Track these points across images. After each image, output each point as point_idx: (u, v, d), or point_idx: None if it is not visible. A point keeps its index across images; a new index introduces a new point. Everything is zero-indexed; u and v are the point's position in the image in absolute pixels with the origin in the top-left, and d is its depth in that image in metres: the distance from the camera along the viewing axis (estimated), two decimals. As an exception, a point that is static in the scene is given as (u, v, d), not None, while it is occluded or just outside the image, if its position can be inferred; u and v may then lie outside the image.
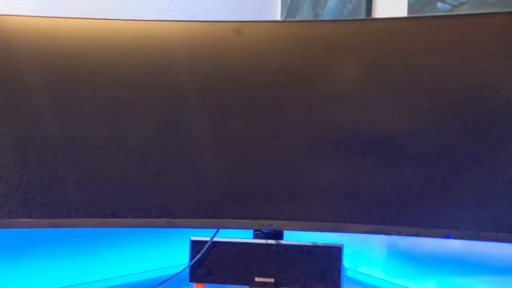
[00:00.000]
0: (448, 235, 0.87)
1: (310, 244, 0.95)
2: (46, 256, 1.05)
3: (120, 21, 0.91)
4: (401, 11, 1.12)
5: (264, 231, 0.97)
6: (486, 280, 0.99)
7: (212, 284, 0.97)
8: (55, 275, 1.06)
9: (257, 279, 0.95)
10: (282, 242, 0.96)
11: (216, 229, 0.96)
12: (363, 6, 1.19)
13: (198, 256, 0.95)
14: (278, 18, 1.43)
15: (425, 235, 0.88)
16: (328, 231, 0.93)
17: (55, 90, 0.89)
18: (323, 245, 0.94)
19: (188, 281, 0.97)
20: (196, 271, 0.96)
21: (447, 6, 1.03)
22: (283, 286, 0.95)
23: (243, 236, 0.98)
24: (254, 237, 0.99)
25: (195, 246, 0.96)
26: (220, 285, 0.96)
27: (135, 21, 0.91)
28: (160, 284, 0.98)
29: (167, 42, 0.92)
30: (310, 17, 1.33)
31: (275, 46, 0.91)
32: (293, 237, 0.98)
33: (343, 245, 0.94)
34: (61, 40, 0.89)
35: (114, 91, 0.90)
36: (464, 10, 1.00)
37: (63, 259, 1.07)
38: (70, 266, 1.08)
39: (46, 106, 0.89)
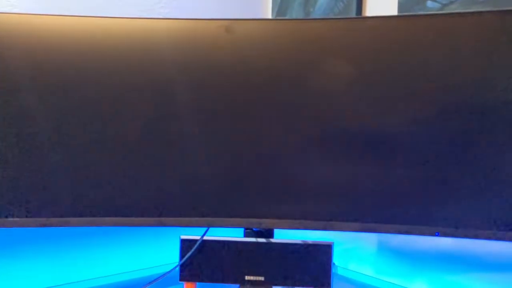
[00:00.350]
0: (437, 233, 0.87)
1: (301, 242, 0.95)
2: (33, 255, 1.04)
3: (109, 18, 0.90)
4: (392, 9, 1.12)
5: (254, 229, 0.97)
6: (476, 277, 1.00)
7: (203, 283, 0.97)
8: (42, 274, 1.05)
9: (247, 277, 0.95)
10: (273, 240, 0.96)
11: (206, 228, 0.96)
12: (354, 4, 1.19)
13: (188, 255, 0.95)
14: (269, 16, 1.43)
15: (414, 233, 0.89)
16: (318, 229, 0.93)
17: (44, 88, 0.88)
18: (314, 243, 0.94)
19: (178, 280, 0.97)
20: (186, 270, 0.96)
21: (437, 5, 1.04)
22: (273, 285, 0.95)
23: (233, 234, 0.98)
24: (245, 236, 0.99)
25: (185, 244, 0.96)
26: (210, 283, 0.96)
27: (124, 18, 0.91)
28: (150, 283, 0.98)
29: (157, 40, 0.91)
30: (301, 15, 1.33)
31: (267, 44, 0.91)
32: (283, 236, 0.98)
33: (333, 243, 0.95)
34: (50, 38, 0.88)
35: (104, 90, 0.90)
36: (453, 8, 1.00)
37: (51, 258, 1.06)
38: (58, 265, 1.07)
39: (36, 104, 0.88)
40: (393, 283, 1.12)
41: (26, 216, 0.88)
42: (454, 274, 1.03)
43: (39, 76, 0.88)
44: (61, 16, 0.89)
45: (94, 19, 0.90)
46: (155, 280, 0.98)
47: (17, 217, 0.88)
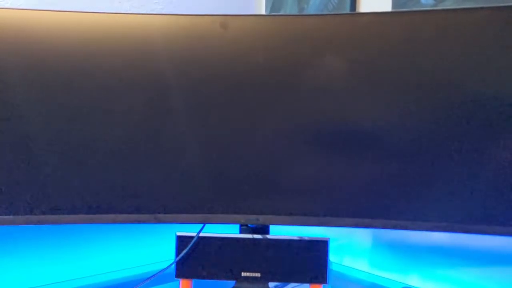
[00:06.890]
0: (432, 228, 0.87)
1: (297, 238, 0.95)
2: (26, 253, 1.04)
3: (103, 14, 0.89)
4: (386, 5, 1.12)
5: (250, 225, 0.97)
6: (470, 271, 1.01)
7: (199, 280, 0.97)
8: (38, 272, 1.05)
9: (243, 274, 0.95)
10: (268, 236, 0.96)
11: (202, 224, 0.95)
12: (348, 0, 1.19)
13: (184, 252, 0.95)
14: (263, 12, 1.43)
15: (410, 228, 0.89)
16: (314, 225, 0.93)
17: (35, 85, 0.87)
18: (310, 239, 0.95)
19: (174, 277, 0.96)
20: (182, 267, 0.96)
21: (430, 1, 1.04)
22: (269, 281, 0.95)
23: (229, 231, 0.98)
24: (240, 232, 0.99)
25: (181, 241, 0.96)
26: (207, 280, 0.96)
27: (118, 14, 0.90)
28: (146, 280, 0.97)
29: (151, 36, 0.90)
30: (295, 11, 1.33)
31: (261, 40, 0.91)
32: (279, 232, 0.98)
33: (329, 239, 0.95)
34: (42, 34, 0.87)
35: (96, 85, 0.89)
36: (447, 4, 1.01)
37: (46, 256, 1.06)
38: (52, 263, 1.07)
39: (28, 101, 0.87)
40: (388, 278, 1.13)
41: (19, 214, 0.87)
42: (448, 268, 1.04)
43: (29, 71, 0.87)
44: (52, 12, 0.88)
45: (87, 14, 0.89)
46: (151, 277, 0.98)
47: (9, 214, 0.87)
